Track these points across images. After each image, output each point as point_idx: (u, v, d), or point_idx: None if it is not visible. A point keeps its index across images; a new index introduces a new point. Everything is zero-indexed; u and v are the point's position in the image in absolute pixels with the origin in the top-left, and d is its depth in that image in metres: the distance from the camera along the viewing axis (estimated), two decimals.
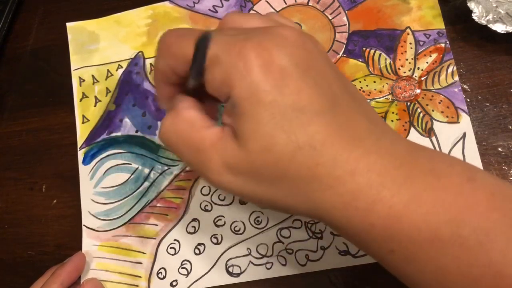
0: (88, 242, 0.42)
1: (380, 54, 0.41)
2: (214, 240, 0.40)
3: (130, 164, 0.43)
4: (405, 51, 0.41)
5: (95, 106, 0.45)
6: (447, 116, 0.39)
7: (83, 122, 0.45)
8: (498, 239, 0.22)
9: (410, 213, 0.22)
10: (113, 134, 0.44)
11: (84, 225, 0.42)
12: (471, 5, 0.38)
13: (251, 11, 0.45)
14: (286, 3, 0.44)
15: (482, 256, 0.22)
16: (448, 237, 0.22)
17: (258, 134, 0.23)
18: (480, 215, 0.22)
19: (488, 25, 0.38)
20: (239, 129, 0.24)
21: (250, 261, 0.39)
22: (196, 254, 0.40)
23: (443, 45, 0.40)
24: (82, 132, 0.45)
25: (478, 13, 0.38)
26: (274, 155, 0.23)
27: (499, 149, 0.37)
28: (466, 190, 0.23)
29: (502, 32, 0.38)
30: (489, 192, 0.23)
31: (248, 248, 0.39)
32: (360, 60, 0.42)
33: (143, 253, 0.40)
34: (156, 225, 0.41)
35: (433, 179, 0.23)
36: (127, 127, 0.44)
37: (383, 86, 0.40)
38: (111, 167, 0.43)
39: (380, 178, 0.23)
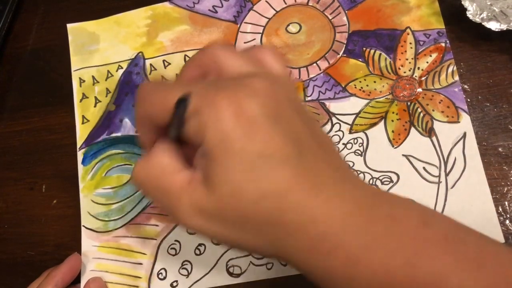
0: (88, 243, 0.42)
1: (380, 54, 0.41)
2: (215, 241, 0.40)
3: (131, 164, 0.43)
4: (405, 51, 0.41)
5: (95, 106, 0.45)
6: (448, 116, 0.39)
7: (83, 123, 0.45)
8: (450, 281, 0.23)
9: (368, 258, 0.23)
10: (113, 135, 0.44)
11: (83, 225, 0.42)
12: (466, 3, 0.38)
13: (251, 11, 0.45)
14: (286, 3, 0.44)
15: None
16: (403, 280, 0.23)
17: (226, 180, 0.24)
18: (434, 259, 0.23)
19: (483, 23, 0.38)
20: (209, 175, 0.25)
21: (250, 261, 0.39)
22: (196, 254, 0.40)
23: (443, 44, 0.40)
24: (81, 132, 0.45)
25: (472, 11, 0.38)
26: (241, 201, 0.24)
27: (499, 149, 0.37)
28: (422, 234, 0.24)
29: (496, 30, 0.38)
30: (444, 236, 0.24)
31: None
32: (360, 60, 0.42)
33: (144, 253, 0.40)
34: (157, 225, 0.41)
35: (391, 224, 0.24)
36: (127, 127, 0.44)
37: (383, 86, 0.40)
38: (112, 168, 0.43)
39: (341, 223, 0.24)
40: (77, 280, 0.40)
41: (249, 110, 0.24)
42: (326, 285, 0.25)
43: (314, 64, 0.42)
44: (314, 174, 0.25)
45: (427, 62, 0.40)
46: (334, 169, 0.26)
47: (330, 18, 0.43)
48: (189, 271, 0.39)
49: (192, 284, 0.39)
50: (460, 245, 0.24)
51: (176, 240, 0.40)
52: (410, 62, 0.40)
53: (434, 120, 0.39)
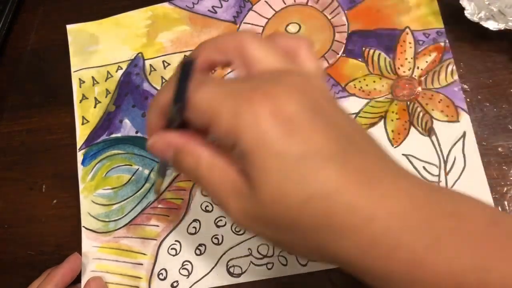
0: (88, 244, 0.42)
1: (379, 54, 0.41)
2: (215, 241, 0.40)
3: (131, 165, 0.43)
4: (405, 51, 0.41)
5: (95, 107, 0.45)
6: (447, 115, 0.39)
7: (82, 123, 0.45)
8: None
9: (433, 258, 0.21)
10: (113, 135, 0.44)
11: (83, 226, 0.42)
12: (464, 3, 0.38)
13: (250, 11, 0.45)
14: (285, 3, 0.44)
15: None
16: (473, 283, 0.21)
17: (267, 185, 0.23)
18: (508, 261, 0.21)
19: (481, 23, 0.38)
20: (251, 178, 0.23)
21: (251, 261, 0.39)
22: (197, 254, 0.40)
23: (442, 44, 0.40)
24: (81, 133, 0.45)
25: (470, 11, 0.38)
26: (284, 206, 0.23)
27: (499, 149, 0.37)
28: (492, 234, 0.22)
29: (494, 29, 0.38)
30: None
31: (249, 249, 0.39)
32: (360, 59, 0.42)
33: (144, 254, 0.40)
34: (157, 226, 0.41)
35: (456, 222, 0.22)
36: (127, 128, 0.44)
37: (382, 86, 0.40)
38: (112, 168, 0.43)
39: (399, 222, 0.22)
40: (78, 279, 0.40)
41: (288, 109, 0.22)
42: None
43: None
44: (364, 169, 0.22)
45: (427, 62, 0.40)
46: (386, 162, 0.24)
47: (330, 18, 0.43)
48: (190, 271, 0.39)
49: (193, 284, 0.39)
50: None
51: (176, 241, 0.40)
52: (409, 62, 0.41)
53: (433, 120, 0.39)
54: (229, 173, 0.25)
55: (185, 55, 0.25)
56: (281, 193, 0.22)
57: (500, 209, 0.36)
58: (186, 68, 0.25)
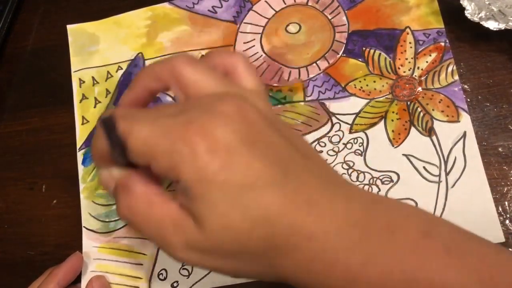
0: (88, 244, 0.42)
1: (380, 54, 0.41)
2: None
3: None
4: (405, 51, 0.41)
5: (95, 107, 0.45)
6: (448, 115, 0.39)
7: (82, 123, 0.45)
8: None
9: (366, 274, 0.23)
10: None
11: (84, 226, 0.42)
12: (464, 3, 0.38)
13: (250, 11, 0.45)
14: (285, 3, 0.44)
15: None
16: None
17: (213, 215, 0.24)
18: (435, 272, 0.22)
19: (481, 23, 0.38)
20: (195, 211, 0.24)
21: None
22: None
23: (442, 44, 0.40)
24: (81, 133, 0.45)
25: (470, 10, 0.38)
26: (232, 233, 0.24)
27: (499, 149, 0.37)
28: (422, 246, 0.23)
29: (495, 29, 0.38)
30: (445, 248, 0.23)
31: None
32: (360, 59, 0.42)
33: (144, 254, 0.40)
34: None
35: (388, 236, 0.24)
36: None
37: (383, 86, 0.40)
38: None
39: (335, 240, 0.23)
40: (77, 279, 0.40)
41: (223, 141, 0.23)
42: None
43: (314, 64, 0.42)
44: (303, 191, 0.24)
45: (427, 62, 0.40)
46: (324, 181, 0.25)
47: (330, 18, 0.43)
48: (190, 272, 0.39)
49: (193, 285, 0.39)
50: (462, 257, 0.23)
51: None
52: (409, 62, 0.41)
53: (434, 120, 0.39)
54: (169, 209, 0.25)
55: (100, 116, 0.26)
56: (228, 222, 0.23)
57: (500, 209, 0.36)
58: (107, 123, 0.25)
